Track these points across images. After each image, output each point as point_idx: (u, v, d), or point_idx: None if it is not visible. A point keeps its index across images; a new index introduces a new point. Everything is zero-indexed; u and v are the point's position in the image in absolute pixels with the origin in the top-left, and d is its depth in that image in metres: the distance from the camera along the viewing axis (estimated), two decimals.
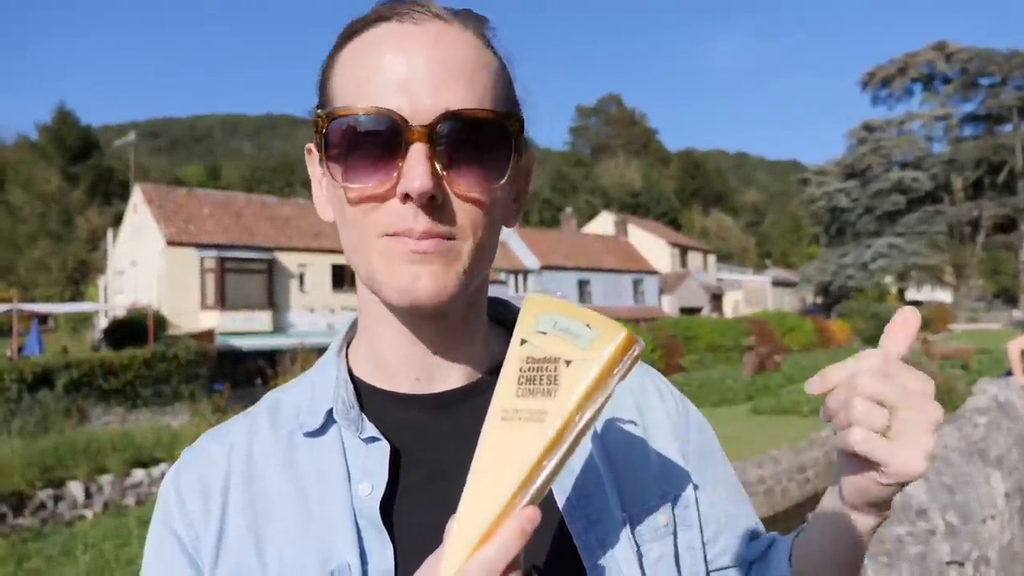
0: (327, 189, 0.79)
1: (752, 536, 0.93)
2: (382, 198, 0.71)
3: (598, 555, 0.75)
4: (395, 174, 0.69)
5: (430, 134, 0.68)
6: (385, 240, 0.71)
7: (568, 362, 0.58)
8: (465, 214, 0.72)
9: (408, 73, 0.69)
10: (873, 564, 3.15)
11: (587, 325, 0.59)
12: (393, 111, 0.68)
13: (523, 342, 0.61)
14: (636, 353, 0.59)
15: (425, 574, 0.56)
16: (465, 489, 0.57)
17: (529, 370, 0.59)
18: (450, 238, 0.71)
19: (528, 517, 0.55)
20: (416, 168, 0.67)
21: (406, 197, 0.69)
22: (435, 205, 0.70)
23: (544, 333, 0.60)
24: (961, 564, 3.70)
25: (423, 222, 0.69)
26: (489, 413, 0.59)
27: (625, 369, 0.59)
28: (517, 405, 0.58)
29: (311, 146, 0.79)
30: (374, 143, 0.70)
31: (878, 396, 0.63)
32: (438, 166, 0.69)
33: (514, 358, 0.60)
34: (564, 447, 0.56)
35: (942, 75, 64.13)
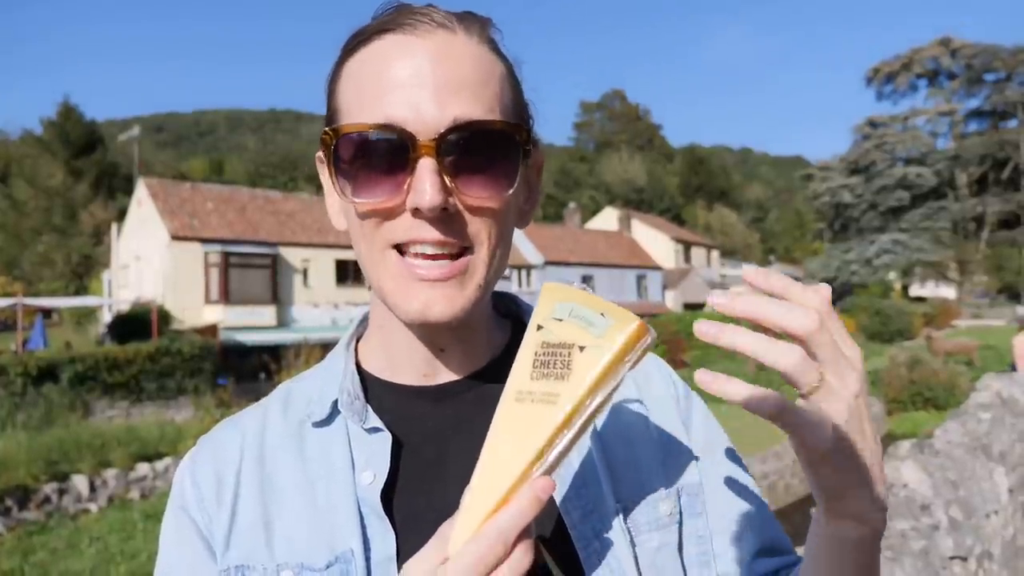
0: (339, 201, 0.80)
1: (761, 549, 0.85)
2: (392, 212, 0.72)
3: (593, 544, 0.76)
4: (405, 188, 0.70)
5: (438, 147, 0.68)
6: (395, 258, 0.72)
7: (582, 348, 0.59)
8: (476, 224, 0.72)
9: (414, 86, 0.69)
10: None
11: (601, 314, 0.61)
12: (400, 126, 0.68)
13: (539, 328, 0.62)
14: (648, 343, 0.61)
15: (440, 539, 0.58)
16: (478, 463, 0.58)
17: (544, 355, 0.60)
18: (463, 248, 0.72)
19: (542, 486, 0.56)
20: (424, 183, 0.68)
21: (416, 211, 0.69)
22: (446, 216, 0.70)
23: (560, 320, 0.62)
24: (964, 559, 3.70)
25: (433, 233, 0.70)
26: (503, 394, 0.61)
27: (636, 358, 0.60)
28: (531, 387, 0.59)
29: (322, 155, 0.80)
30: (382, 158, 0.70)
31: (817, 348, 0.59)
32: (447, 179, 0.69)
33: (530, 343, 0.62)
34: (574, 429, 0.58)
35: (947, 71, 63.99)
